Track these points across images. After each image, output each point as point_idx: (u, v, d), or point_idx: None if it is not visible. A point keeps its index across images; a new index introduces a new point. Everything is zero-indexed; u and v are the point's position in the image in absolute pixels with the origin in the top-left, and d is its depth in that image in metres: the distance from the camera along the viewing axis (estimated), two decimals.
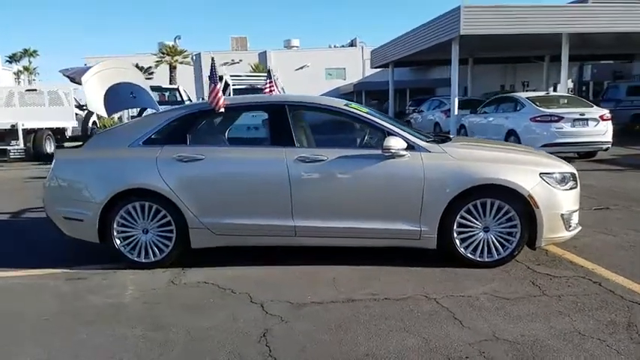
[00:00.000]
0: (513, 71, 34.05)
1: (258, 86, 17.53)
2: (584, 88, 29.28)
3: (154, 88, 17.56)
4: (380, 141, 4.36)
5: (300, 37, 55.77)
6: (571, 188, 4.39)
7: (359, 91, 40.60)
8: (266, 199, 4.35)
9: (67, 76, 4.69)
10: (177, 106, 4.98)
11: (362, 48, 47.98)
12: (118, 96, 4.87)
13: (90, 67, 4.74)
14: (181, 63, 26.34)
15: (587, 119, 10.78)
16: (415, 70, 38.87)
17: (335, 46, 54.00)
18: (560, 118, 10.70)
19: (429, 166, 4.23)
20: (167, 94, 16.60)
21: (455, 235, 4.28)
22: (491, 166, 4.25)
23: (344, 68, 48.17)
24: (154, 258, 4.47)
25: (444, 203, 4.21)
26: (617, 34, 15.30)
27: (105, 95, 4.73)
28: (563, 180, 4.35)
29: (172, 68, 25.88)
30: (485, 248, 4.30)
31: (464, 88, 31.68)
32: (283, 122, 4.44)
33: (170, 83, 23.08)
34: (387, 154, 4.23)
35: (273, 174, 4.31)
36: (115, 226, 4.43)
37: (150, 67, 24.97)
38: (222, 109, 4.47)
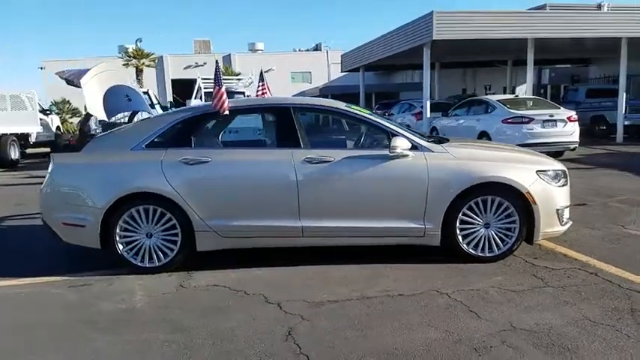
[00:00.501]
0: (473, 75, 35.07)
1: (232, 89, 17.53)
2: (542, 91, 30.47)
3: None
4: (383, 141, 4.48)
5: (265, 41, 55.38)
6: (563, 185, 4.61)
7: (325, 95, 40.80)
8: (273, 201, 4.38)
9: (65, 79, 4.59)
10: (178, 109, 4.95)
11: (327, 52, 48.29)
12: (114, 99, 4.80)
13: (88, 70, 4.65)
14: (148, 66, 25.82)
15: (555, 120, 11.25)
16: (380, 75, 39.45)
17: (300, 50, 54.09)
18: (530, 120, 11.14)
19: (432, 166, 4.36)
20: None
21: (458, 231, 4.42)
22: (491, 165, 4.42)
23: (309, 72, 48.24)
24: (159, 262, 4.42)
25: (447, 201, 4.35)
26: (575, 40, 16.02)
27: (103, 98, 4.66)
28: (556, 177, 4.57)
29: (139, 71, 25.37)
30: (486, 244, 4.46)
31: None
32: (289, 124, 4.48)
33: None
34: (392, 155, 4.34)
35: (280, 175, 4.35)
36: (117, 231, 4.35)
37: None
38: (227, 112, 4.48)
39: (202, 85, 16.39)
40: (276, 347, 3.05)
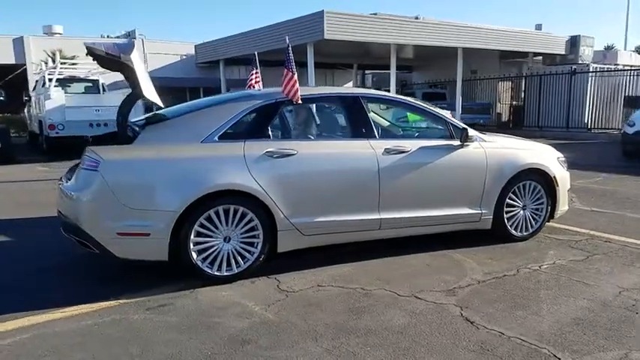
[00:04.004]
0: (299, 75, 36.68)
1: (82, 76, 15.36)
2: None
3: None
4: (445, 132, 4.69)
5: (64, 25, 48.66)
6: (567, 169, 5.41)
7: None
8: (357, 193, 4.23)
9: (104, 54, 3.65)
10: (238, 95, 4.36)
11: (142, 41, 45.06)
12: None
13: (128, 44, 3.79)
14: None
15: None
16: (203, 69, 38.55)
17: (109, 37, 49.38)
18: None
19: (489, 154, 4.71)
20: None
21: (504, 214, 4.86)
22: (531, 153, 4.97)
23: None
24: (237, 269, 3.91)
25: (500, 186, 4.75)
26: (434, 47, 18.24)
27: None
28: (564, 162, 5.33)
29: None
30: (523, 224, 5.00)
31: None
32: (363, 114, 4.38)
33: None
34: (457, 144, 4.58)
35: (365, 167, 4.23)
36: (192, 237, 3.72)
37: None
38: (300, 101, 4.16)
39: (46, 73, 14.14)
40: (479, 335, 3.04)
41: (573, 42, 21.59)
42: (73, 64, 15.84)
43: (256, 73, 5.77)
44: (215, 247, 3.81)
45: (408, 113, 5.96)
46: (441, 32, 17.44)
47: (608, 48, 39.83)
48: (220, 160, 3.81)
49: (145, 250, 3.69)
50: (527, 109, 21.22)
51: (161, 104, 3.97)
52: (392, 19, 16.23)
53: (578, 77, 18.91)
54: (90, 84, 15.66)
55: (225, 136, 3.91)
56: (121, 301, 3.57)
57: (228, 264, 3.87)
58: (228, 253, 3.86)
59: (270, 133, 4.07)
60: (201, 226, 3.74)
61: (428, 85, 26.26)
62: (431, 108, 4.79)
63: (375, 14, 25.36)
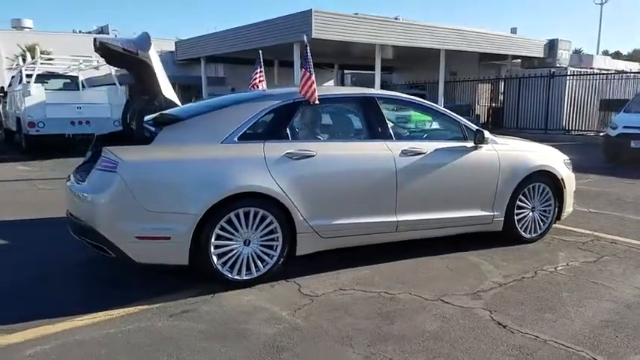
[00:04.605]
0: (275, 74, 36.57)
1: (61, 72, 14.91)
2: None
3: None
4: (457, 133, 4.68)
5: (34, 19, 47.07)
6: (572, 171, 5.47)
7: (123, 83, 36.87)
8: (375, 195, 4.19)
9: (121, 50, 3.50)
10: (258, 95, 4.25)
11: (115, 36, 44.05)
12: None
13: (145, 39, 3.64)
14: None
15: None
16: (180, 66, 37.97)
17: (81, 32, 48.19)
18: None
19: (501, 156, 4.73)
20: None
21: (515, 216, 4.89)
22: (541, 155, 5.01)
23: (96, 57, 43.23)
24: (257, 273, 3.81)
25: (512, 188, 4.77)
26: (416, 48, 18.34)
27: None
28: (569, 164, 5.40)
29: None
30: (532, 225, 5.03)
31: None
32: (378, 115, 4.34)
33: None
34: (470, 146, 4.58)
35: (383, 168, 4.18)
36: (212, 240, 3.61)
37: None
38: (317, 101, 4.08)
39: (24, 69, 13.65)
40: (515, 340, 3.02)
41: (551, 45, 22.06)
42: (50, 59, 15.36)
43: (260, 72, 5.63)
44: (235, 251, 3.71)
45: (413, 114, 5.97)
46: (425, 34, 17.57)
47: (577, 52, 40.93)
48: (241, 161, 3.71)
49: (165, 254, 3.56)
50: (506, 111, 21.56)
51: (179, 104, 3.84)
52: (379, 20, 16.29)
53: (556, 80, 19.31)
54: (68, 80, 15.16)
55: (244, 137, 3.81)
56: (140, 307, 3.43)
57: (248, 268, 3.78)
58: (247, 257, 3.77)
59: (288, 133, 3.98)
60: (222, 229, 3.64)
61: (408, 87, 26.44)
62: (445, 110, 4.78)
63: (357, 14, 25.44)
